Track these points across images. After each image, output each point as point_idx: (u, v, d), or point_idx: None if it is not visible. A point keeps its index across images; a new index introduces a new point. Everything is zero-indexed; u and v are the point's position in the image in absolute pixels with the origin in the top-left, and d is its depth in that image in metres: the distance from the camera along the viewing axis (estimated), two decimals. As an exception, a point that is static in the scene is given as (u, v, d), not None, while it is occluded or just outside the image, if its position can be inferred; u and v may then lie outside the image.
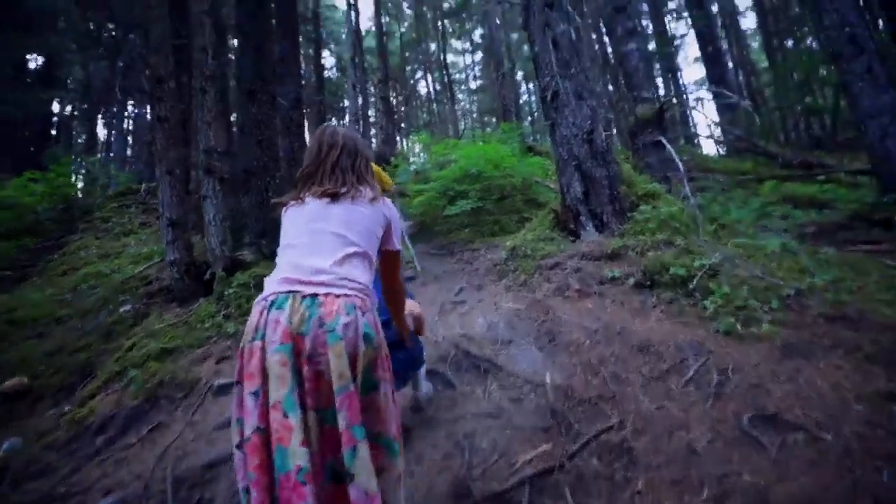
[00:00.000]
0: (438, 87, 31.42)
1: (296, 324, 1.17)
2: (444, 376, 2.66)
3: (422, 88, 31.91)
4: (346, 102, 25.81)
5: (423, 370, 2.35)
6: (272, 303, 1.22)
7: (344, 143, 1.49)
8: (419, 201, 6.75)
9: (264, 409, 1.14)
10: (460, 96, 29.30)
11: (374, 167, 1.69)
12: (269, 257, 5.56)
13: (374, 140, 22.75)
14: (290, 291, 1.22)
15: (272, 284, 1.28)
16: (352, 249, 1.32)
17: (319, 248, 1.30)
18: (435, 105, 32.35)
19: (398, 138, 19.72)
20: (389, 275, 1.59)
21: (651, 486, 1.61)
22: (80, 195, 8.91)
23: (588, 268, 3.56)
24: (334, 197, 1.39)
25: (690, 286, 3.01)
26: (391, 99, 15.00)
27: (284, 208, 1.44)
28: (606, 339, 2.68)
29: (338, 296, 1.22)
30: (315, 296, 1.21)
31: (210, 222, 4.00)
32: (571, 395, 2.22)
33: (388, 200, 1.50)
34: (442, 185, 6.53)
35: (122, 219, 7.87)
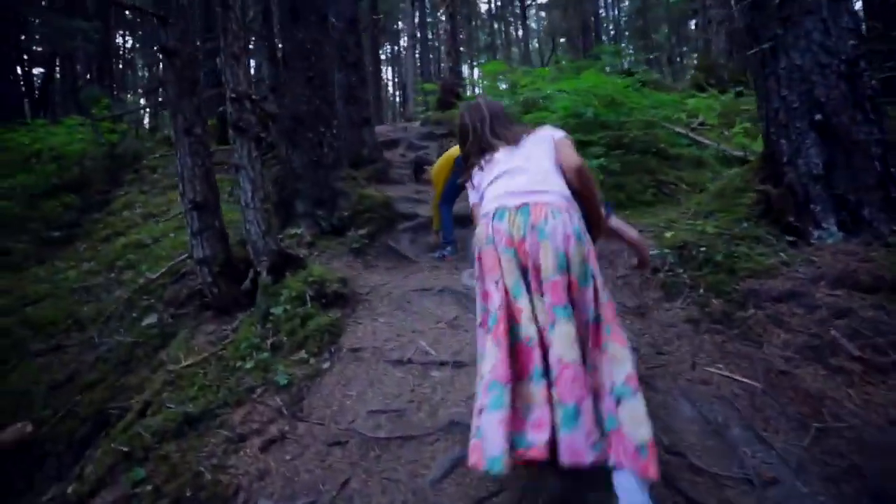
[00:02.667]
0: (499, 1, 27.78)
1: (514, 233, 1.46)
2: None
3: (481, 2, 28.35)
4: (401, 24, 23.26)
5: None
6: (494, 214, 1.51)
7: (491, 112, 1.76)
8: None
9: (504, 294, 1.44)
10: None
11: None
12: (330, 232, 4.38)
13: (436, 68, 20.53)
14: (504, 206, 1.51)
15: (491, 201, 1.55)
16: (546, 165, 1.60)
17: (520, 172, 1.57)
18: (496, 24, 28.85)
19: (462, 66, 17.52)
20: (584, 188, 1.68)
21: None
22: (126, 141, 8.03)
23: (859, 307, 2.07)
24: (513, 143, 1.67)
25: None
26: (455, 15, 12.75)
27: (469, 179, 1.74)
28: None
29: (545, 203, 1.47)
30: (525, 205, 1.47)
31: (247, 204, 2.81)
32: None
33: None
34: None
35: (170, 168, 7.00)
